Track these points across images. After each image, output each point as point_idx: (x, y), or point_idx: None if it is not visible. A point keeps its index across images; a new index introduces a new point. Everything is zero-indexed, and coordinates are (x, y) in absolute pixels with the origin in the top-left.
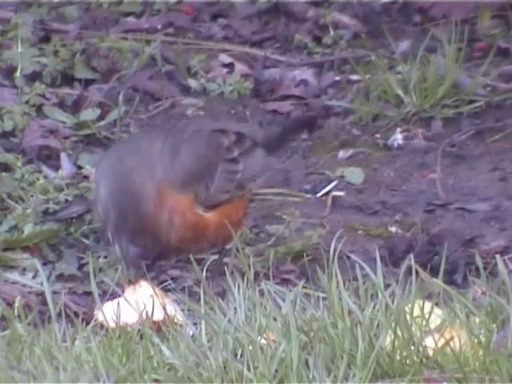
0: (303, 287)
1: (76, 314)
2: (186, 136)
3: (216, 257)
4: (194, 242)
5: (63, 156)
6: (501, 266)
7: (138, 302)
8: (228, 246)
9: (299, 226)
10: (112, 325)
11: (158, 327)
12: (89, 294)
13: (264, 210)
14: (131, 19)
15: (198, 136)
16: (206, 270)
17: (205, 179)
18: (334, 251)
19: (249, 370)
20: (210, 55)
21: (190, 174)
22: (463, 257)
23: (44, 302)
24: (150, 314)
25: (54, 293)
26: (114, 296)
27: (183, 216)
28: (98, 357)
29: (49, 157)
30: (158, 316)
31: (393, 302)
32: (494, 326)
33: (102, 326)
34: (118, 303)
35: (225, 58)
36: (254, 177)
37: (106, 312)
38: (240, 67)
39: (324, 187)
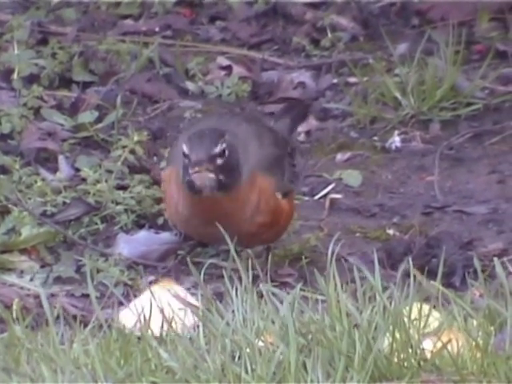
0: (301, 290)
1: (74, 317)
2: (262, 125)
3: (213, 260)
4: (269, 228)
5: (61, 158)
6: (499, 269)
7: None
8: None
9: (297, 229)
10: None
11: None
12: (87, 296)
13: None
14: (129, 22)
15: (270, 128)
16: (204, 273)
17: (281, 167)
18: (332, 254)
19: (247, 372)
20: (208, 58)
21: (273, 160)
22: (461, 259)
23: (42, 305)
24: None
25: (52, 295)
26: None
27: (268, 200)
28: (95, 359)
29: (47, 159)
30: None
31: (391, 305)
32: (492, 328)
33: (120, 329)
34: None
35: (223, 61)
36: (301, 174)
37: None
38: (238, 70)
39: (322, 190)
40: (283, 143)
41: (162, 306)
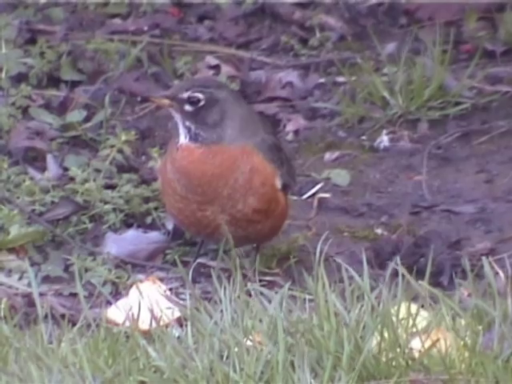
0: (289, 289)
1: (62, 316)
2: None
3: (202, 260)
4: (264, 217)
5: (49, 157)
6: (487, 268)
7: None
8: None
9: (285, 228)
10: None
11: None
12: (75, 295)
13: None
14: (117, 21)
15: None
16: (192, 273)
17: (280, 157)
18: (320, 253)
19: (235, 371)
20: (196, 57)
21: (275, 147)
22: (449, 259)
23: (30, 304)
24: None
25: (41, 294)
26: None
27: (265, 182)
28: (83, 358)
29: (35, 158)
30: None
31: (379, 304)
32: (480, 328)
33: (115, 324)
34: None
35: (211, 60)
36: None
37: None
38: (226, 69)
39: (310, 189)
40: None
41: (151, 304)
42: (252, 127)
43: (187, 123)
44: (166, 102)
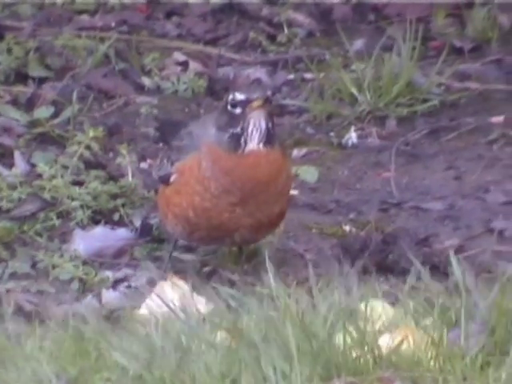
0: (256, 286)
1: (29, 313)
2: None
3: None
4: (280, 221)
5: (17, 154)
6: (454, 265)
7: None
8: None
9: None
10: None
11: None
12: (42, 292)
13: None
14: (85, 17)
15: None
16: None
17: None
18: (288, 250)
19: (201, 369)
20: (164, 53)
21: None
22: (417, 255)
23: None
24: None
25: (8, 291)
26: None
27: (290, 189)
28: (50, 356)
29: (2, 155)
30: None
31: (346, 301)
32: (447, 324)
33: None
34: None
35: (179, 56)
36: None
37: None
38: (194, 65)
39: None
40: None
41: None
42: None
43: (269, 124)
44: (262, 103)
